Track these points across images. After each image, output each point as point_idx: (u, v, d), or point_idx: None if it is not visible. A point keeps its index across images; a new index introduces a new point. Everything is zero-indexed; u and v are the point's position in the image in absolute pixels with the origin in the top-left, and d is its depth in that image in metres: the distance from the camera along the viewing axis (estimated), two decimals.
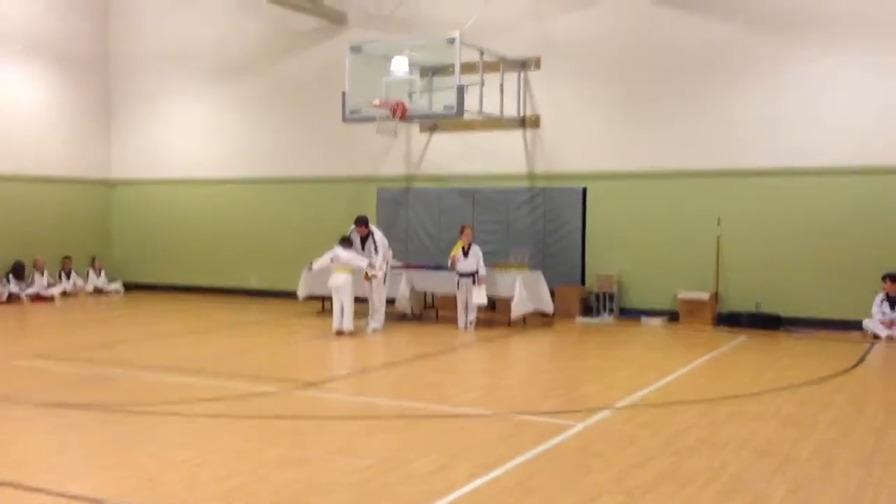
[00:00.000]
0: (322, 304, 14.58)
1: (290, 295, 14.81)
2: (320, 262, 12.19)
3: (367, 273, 12.06)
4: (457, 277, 12.76)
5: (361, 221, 12.51)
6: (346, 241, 12.19)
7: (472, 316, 12.75)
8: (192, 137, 18.06)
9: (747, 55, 13.41)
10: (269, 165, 17.25)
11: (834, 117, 12.89)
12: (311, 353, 11.07)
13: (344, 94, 13.53)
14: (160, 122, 18.40)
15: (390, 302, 13.17)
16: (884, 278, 12.34)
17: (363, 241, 12.48)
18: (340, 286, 11.81)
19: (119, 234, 18.93)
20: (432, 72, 14.46)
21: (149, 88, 18.44)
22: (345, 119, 13.70)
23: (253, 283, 17.27)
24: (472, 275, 12.65)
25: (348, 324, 11.79)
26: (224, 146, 17.76)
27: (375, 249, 12.38)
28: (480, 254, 12.75)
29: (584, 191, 14.54)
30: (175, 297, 17.24)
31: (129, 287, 18.24)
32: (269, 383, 8.42)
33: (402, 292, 13.38)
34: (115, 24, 18.71)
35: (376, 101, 13.31)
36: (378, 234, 12.64)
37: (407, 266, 13.79)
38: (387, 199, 15.96)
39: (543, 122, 14.85)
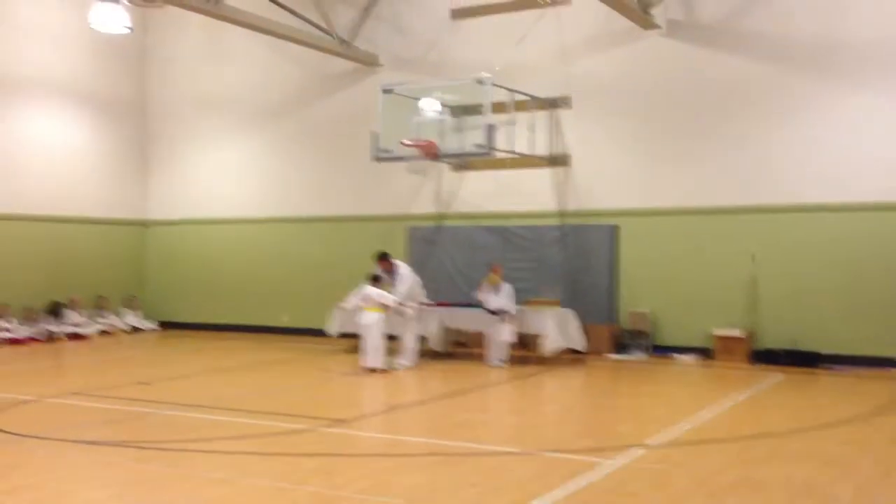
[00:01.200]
0: (353, 341, 14.58)
1: (321, 333, 14.86)
2: (352, 301, 12.27)
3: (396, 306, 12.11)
4: (487, 315, 12.74)
5: (381, 257, 12.62)
6: (374, 279, 12.25)
7: (504, 353, 12.70)
8: (226, 179, 18.34)
9: (777, 91, 13.36)
10: (301, 205, 17.44)
11: (867, 151, 12.76)
12: (342, 391, 11.07)
13: (374, 133, 13.68)
14: (195, 164, 18.72)
15: (422, 339, 13.17)
16: None
17: (390, 275, 12.57)
18: (371, 324, 11.84)
19: (154, 274, 19.19)
20: (463, 111, 14.56)
21: (184, 132, 18.80)
22: (375, 158, 13.83)
23: (285, 321, 17.37)
24: (503, 312, 12.64)
25: (380, 361, 11.80)
26: (257, 187, 18.01)
27: (401, 282, 12.47)
28: (512, 291, 12.74)
29: (615, 228, 14.50)
30: (208, 335, 17.39)
31: (164, 325, 18.45)
32: (300, 421, 8.42)
33: (433, 330, 13.39)
34: (152, 70, 19.15)
35: (407, 141, 13.45)
36: (403, 268, 12.72)
37: (438, 304, 13.78)
38: (418, 237, 16.04)
39: (574, 160, 14.87)
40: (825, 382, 11.61)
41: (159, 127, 19.12)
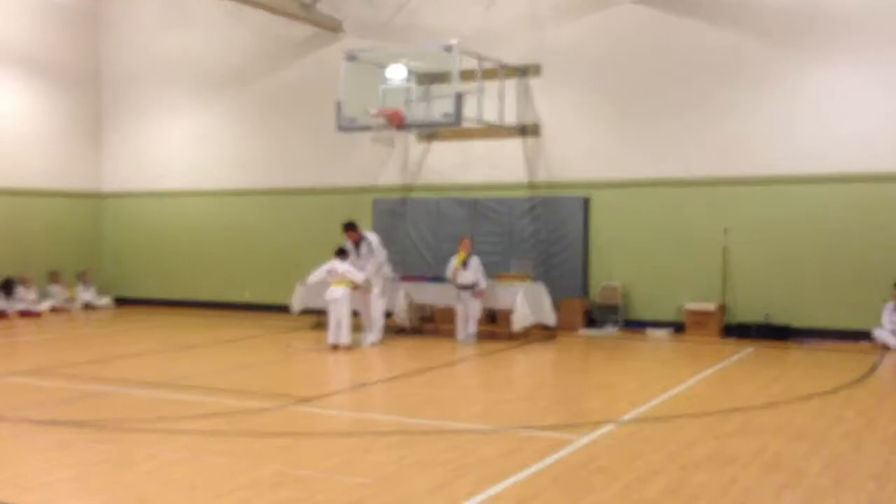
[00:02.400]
0: (317, 317, 14.38)
1: (285, 309, 14.59)
2: (316, 276, 11.95)
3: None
4: (456, 290, 12.57)
5: (349, 227, 12.33)
6: (342, 253, 11.98)
7: (473, 329, 12.55)
8: (184, 149, 17.90)
9: (751, 63, 13.25)
10: (262, 177, 17.08)
11: (841, 124, 12.71)
12: (307, 369, 10.87)
13: (339, 102, 13.38)
14: (152, 134, 18.24)
15: (388, 315, 12.97)
16: (895, 286, 12.16)
17: (357, 247, 12.30)
18: (338, 299, 11.58)
19: (110, 248, 18.75)
20: (430, 79, 14.30)
21: (141, 101, 18.29)
22: (340, 128, 13.54)
23: (246, 297, 17.07)
24: (472, 287, 12.47)
25: (346, 337, 11.58)
26: (217, 158, 17.60)
27: (371, 253, 12.21)
28: (480, 266, 12.57)
29: (587, 200, 14.37)
30: (166, 311, 17.03)
31: (120, 302, 18.04)
32: (264, 399, 8.22)
33: (400, 305, 13.17)
34: (106, 36, 18.59)
35: (372, 111, 13.19)
36: (373, 238, 12.45)
37: (404, 278, 13.58)
38: (384, 209, 15.76)
39: (544, 130, 14.67)
40: (796, 356, 11.63)
41: (114, 95, 18.58)
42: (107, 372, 9.82)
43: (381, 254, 12.39)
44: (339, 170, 16.27)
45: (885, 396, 8.99)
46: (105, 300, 17.80)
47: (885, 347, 11.91)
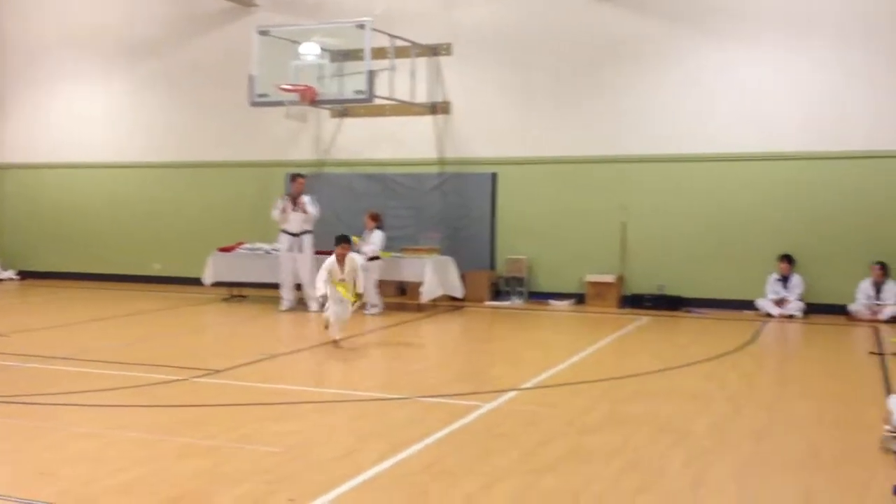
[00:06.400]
0: (229, 290, 14.36)
1: (195, 282, 14.52)
2: (321, 281, 10.06)
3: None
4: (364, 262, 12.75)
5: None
6: (344, 242, 10.15)
7: (376, 300, 12.68)
8: (91, 120, 17.40)
9: (652, 44, 13.76)
10: (173, 149, 16.79)
11: (732, 107, 13.35)
12: (215, 341, 10.88)
13: (251, 77, 13.31)
14: (57, 105, 17.66)
15: (297, 287, 13.09)
16: (779, 258, 12.92)
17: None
18: (347, 301, 9.96)
19: (12, 220, 18.13)
20: (343, 56, 14.32)
21: (45, 71, 17.66)
22: (252, 103, 13.51)
23: (157, 269, 16.83)
24: (375, 259, 12.67)
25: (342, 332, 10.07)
26: (126, 130, 17.19)
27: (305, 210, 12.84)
28: (378, 238, 12.71)
29: (494, 176, 14.69)
30: (74, 285, 16.64)
31: (25, 275, 17.52)
32: (173, 371, 8.23)
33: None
34: (12, 4, 17.84)
35: (285, 85, 13.17)
36: (307, 199, 13.04)
37: (318, 252, 13.63)
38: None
39: (454, 108, 14.91)
40: (687, 324, 12.26)
41: (15, 64, 17.88)
42: (9, 346, 9.62)
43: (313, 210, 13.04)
44: (251, 144, 16.14)
45: (766, 361, 9.64)
46: (8, 273, 17.26)
47: (768, 316, 12.68)
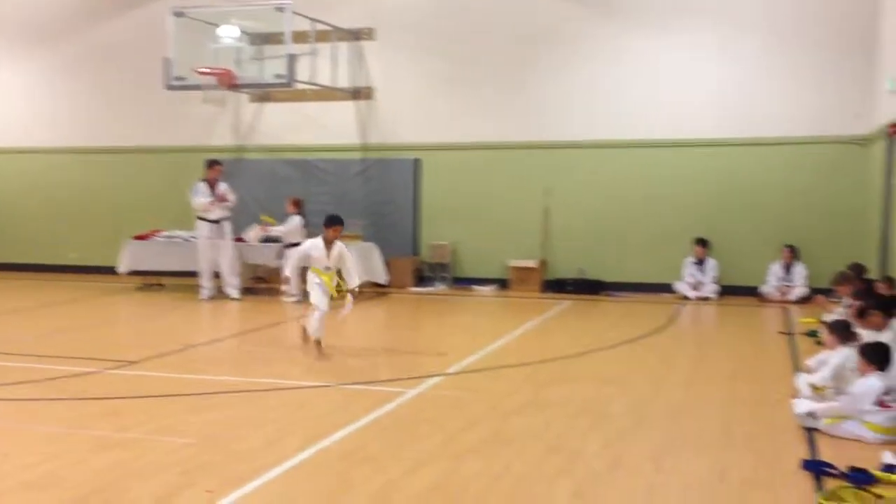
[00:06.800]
0: (145, 278, 14.00)
1: (112, 271, 14.09)
2: (295, 260, 9.12)
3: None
4: (282, 248, 12.60)
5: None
6: (334, 223, 8.72)
7: (292, 287, 12.49)
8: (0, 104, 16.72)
9: (573, 32, 13.90)
10: (86, 135, 16.21)
11: (649, 94, 13.60)
12: (133, 331, 10.60)
13: (167, 60, 12.96)
14: None
15: (216, 276, 12.85)
16: (694, 243, 13.27)
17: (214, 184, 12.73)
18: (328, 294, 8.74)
19: None
20: (263, 40, 14.07)
21: None
22: (168, 87, 13.18)
23: (73, 259, 16.28)
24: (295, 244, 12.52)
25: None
26: (36, 114, 16.52)
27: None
28: (293, 223, 12.54)
29: (418, 162, 14.67)
30: None
31: None
32: (87, 363, 8.00)
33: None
34: None
35: (202, 69, 12.89)
36: (225, 187, 12.87)
37: (237, 239, 13.39)
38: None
39: (377, 93, 14.81)
40: (606, 308, 12.50)
41: None
42: None
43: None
44: (168, 129, 15.72)
45: (683, 342, 9.90)
46: None
47: (685, 298, 13.03)
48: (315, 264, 8.62)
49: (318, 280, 8.56)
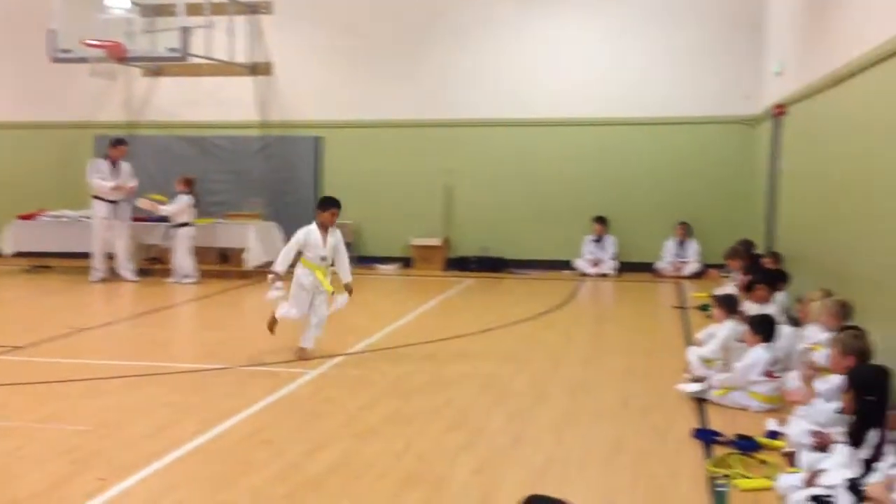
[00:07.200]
0: (32, 260, 13.36)
1: None
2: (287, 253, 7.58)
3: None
4: (172, 228, 12.26)
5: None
6: (329, 205, 7.62)
7: (188, 268, 12.19)
8: None
9: (477, 11, 13.90)
10: None
11: (547, 74, 13.77)
12: (20, 315, 10.10)
13: (51, 31, 12.35)
14: None
15: (109, 257, 12.37)
16: (593, 220, 13.55)
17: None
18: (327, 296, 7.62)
19: None
20: (155, 11, 13.54)
21: None
22: (53, 59, 12.58)
23: None
24: (185, 225, 12.20)
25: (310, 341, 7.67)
26: None
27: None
28: (181, 201, 12.19)
29: (319, 140, 14.46)
30: None
31: None
32: None
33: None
34: None
35: (90, 41, 12.34)
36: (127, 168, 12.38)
37: (134, 219, 12.89)
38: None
39: (276, 69, 14.50)
40: (509, 285, 12.65)
41: None
42: None
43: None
44: (54, 103, 14.97)
45: (582, 318, 10.10)
46: None
47: (584, 275, 13.31)
48: (310, 254, 7.38)
49: (308, 279, 7.37)
